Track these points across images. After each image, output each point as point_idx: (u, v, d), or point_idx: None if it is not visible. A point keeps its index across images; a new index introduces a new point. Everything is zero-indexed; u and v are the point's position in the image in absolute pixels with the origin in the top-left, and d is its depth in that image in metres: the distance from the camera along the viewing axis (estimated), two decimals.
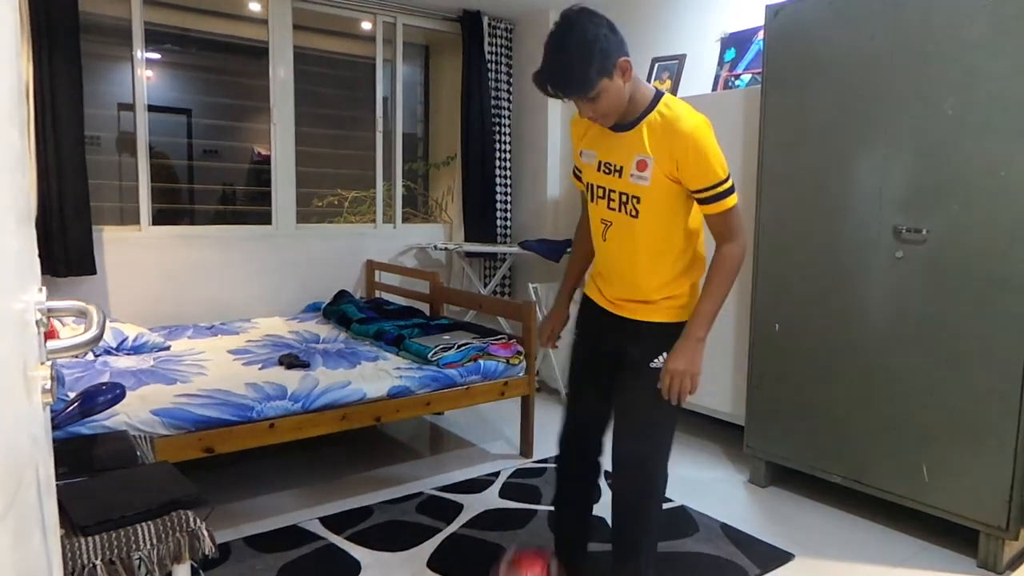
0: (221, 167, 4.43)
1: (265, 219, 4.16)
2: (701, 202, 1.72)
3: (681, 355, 1.73)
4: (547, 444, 3.37)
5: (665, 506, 2.73)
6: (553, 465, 3.12)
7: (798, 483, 2.97)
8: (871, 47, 2.48)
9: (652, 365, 1.79)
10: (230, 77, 4.36)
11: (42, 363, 0.89)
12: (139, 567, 1.53)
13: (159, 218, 3.88)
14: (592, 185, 1.85)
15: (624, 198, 1.77)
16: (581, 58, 1.60)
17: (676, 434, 3.75)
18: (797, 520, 2.66)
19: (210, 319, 3.86)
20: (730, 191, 1.70)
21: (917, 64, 2.37)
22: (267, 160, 4.17)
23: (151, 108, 3.75)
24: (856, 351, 2.59)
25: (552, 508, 2.15)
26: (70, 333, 2.86)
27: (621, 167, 1.76)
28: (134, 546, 1.52)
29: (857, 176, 2.55)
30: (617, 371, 1.90)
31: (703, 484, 2.98)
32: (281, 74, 4.06)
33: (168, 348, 3.09)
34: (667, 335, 1.79)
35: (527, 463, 3.17)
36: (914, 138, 2.39)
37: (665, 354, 1.78)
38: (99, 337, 0.88)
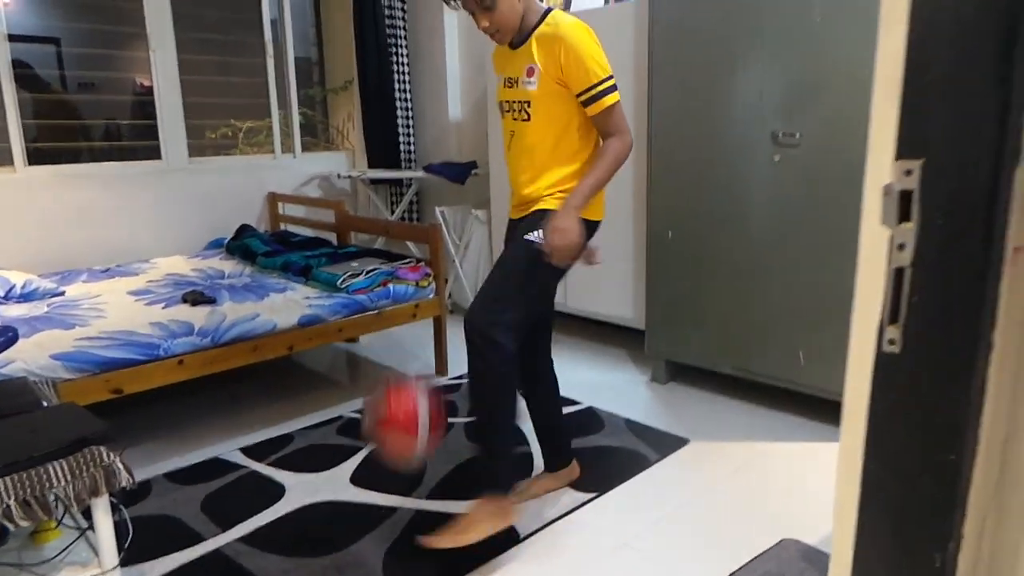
0: (101, 100, 4.15)
1: (154, 154, 3.97)
2: (584, 104, 1.88)
3: (559, 218, 1.84)
4: (462, 362, 3.48)
5: (573, 408, 2.91)
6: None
7: (695, 378, 3.22)
8: None
9: (526, 237, 1.93)
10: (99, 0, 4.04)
11: None
12: (56, 505, 1.55)
13: (38, 158, 3.64)
14: (501, 102, 2.03)
15: (519, 105, 1.96)
16: None
17: (584, 342, 3.92)
18: (693, 410, 2.90)
19: (105, 262, 3.71)
20: (609, 90, 1.86)
21: None
22: (150, 91, 3.94)
23: (13, 38, 3.46)
24: (740, 251, 2.79)
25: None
26: None
27: (517, 78, 1.95)
28: (48, 484, 1.53)
29: (740, 84, 2.67)
30: None
31: (608, 386, 3.18)
32: None
33: (62, 294, 2.98)
34: (549, 217, 1.91)
35: (443, 380, 3.28)
36: (789, 45, 2.52)
37: (542, 230, 1.89)
38: None
